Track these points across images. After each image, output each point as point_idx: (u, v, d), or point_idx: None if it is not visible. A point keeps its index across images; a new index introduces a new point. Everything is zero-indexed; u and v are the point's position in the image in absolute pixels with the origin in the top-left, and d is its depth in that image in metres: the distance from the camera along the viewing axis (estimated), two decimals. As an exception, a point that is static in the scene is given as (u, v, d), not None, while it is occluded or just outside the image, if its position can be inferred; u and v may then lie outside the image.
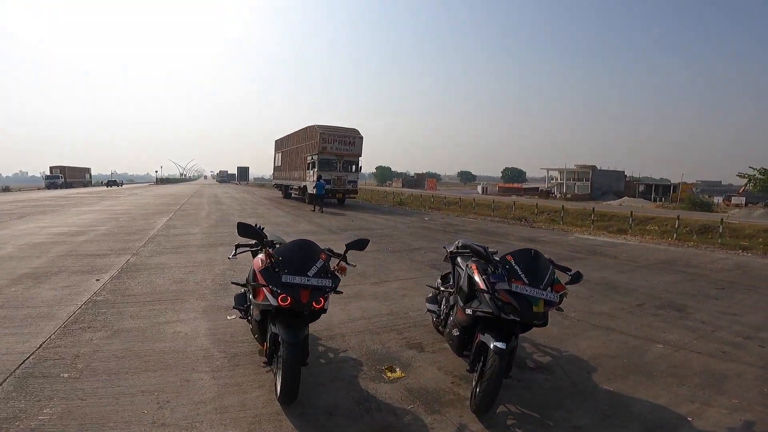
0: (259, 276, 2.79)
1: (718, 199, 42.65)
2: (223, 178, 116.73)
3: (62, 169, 62.87)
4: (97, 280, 5.70)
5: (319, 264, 2.78)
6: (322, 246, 3.01)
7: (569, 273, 2.97)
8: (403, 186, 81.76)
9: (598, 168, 59.73)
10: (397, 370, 3.32)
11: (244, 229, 2.96)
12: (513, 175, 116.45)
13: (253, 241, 3.33)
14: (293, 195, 27.27)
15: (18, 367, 3.12)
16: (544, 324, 2.77)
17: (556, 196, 54.61)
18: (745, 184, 39.80)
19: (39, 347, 3.48)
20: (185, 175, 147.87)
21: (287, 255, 2.79)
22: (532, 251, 2.89)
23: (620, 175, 60.92)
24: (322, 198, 18.35)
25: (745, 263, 8.99)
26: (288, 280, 2.66)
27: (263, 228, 3.25)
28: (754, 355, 3.92)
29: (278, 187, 32.73)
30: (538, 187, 67.04)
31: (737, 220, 19.58)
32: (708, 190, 55.99)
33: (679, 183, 50.22)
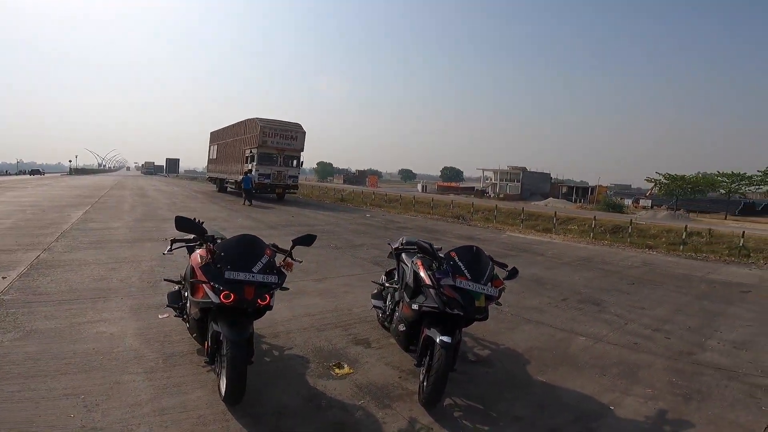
0: (198, 272, 2.63)
1: (628, 201, 47.39)
2: (149, 169, 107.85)
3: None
4: (3, 278, 4.99)
5: (264, 260, 2.67)
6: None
7: (506, 269, 3.15)
8: (344, 182, 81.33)
9: (528, 170, 63.78)
10: (345, 366, 3.31)
11: (182, 222, 2.77)
12: (451, 174, 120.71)
13: (191, 236, 3.13)
14: (229, 189, 26.00)
15: None
16: (485, 318, 2.90)
17: (490, 195, 57.43)
18: (652, 188, 44.76)
19: None
20: (105, 165, 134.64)
21: (230, 250, 2.66)
22: (474, 248, 3.02)
23: (546, 177, 65.48)
24: (250, 191, 18.43)
25: (651, 260, 10.13)
26: (231, 277, 2.54)
27: (203, 222, 3.07)
28: (661, 346, 4.35)
29: (212, 180, 31.02)
30: (474, 187, 70.03)
31: (644, 221, 21.84)
32: (620, 192, 62.00)
33: (596, 186, 55.06)
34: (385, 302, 3.89)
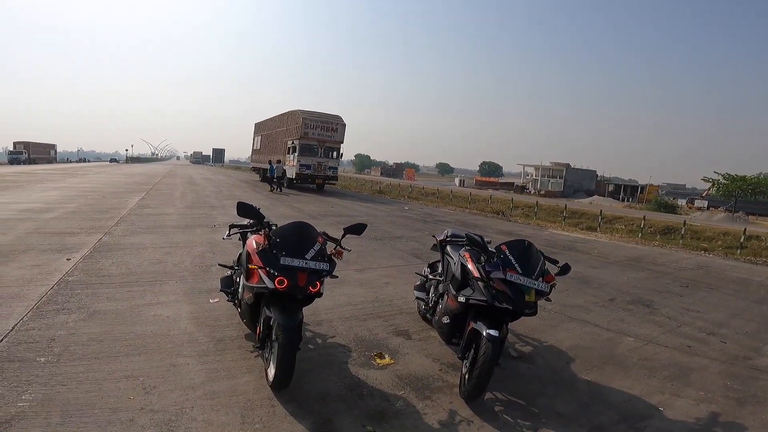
0: (255, 257, 2.72)
1: (682, 202, 44.64)
2: (197, 159, 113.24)
3: (26, 144, 59.65)
4: (68, 259, 5.43)
5: (317, 247, 2.73)
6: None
7: (558, 265, 3.06)
8: (381, 175, 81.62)
9: (572, 166, 61.34)
10: (386, 356, 3.36)
11: (243, 208, 2.88)
12: (490, 169, 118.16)
13: (246, 222, 3.25)
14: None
15: None
16: (534, 313, 2.85)
17: (530, 191, 55.79)
18: (709, 188, 41.86)
19: (11, 330, 3.28)
20: (157, 155, 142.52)
21: (285, 237, 2.73)
22: (525, 242, 2.95)
23: (592, 174, 62.77)
24: (272, 179, 19.93)
25: (707, 263, 9.51)
26: (286, 263, 2.61)
27: (260, 209, 3.18)
28: (716, 350, 4.16)
29: (256, 170, 32.14)
30: (513, 183, 68.25)
31: (699, 222, 20.56)
32: (673, 192, 58.47)
33: (647, 185, 52.17)
34: (427, 294, 3.89)
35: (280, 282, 2.57)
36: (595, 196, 49.22)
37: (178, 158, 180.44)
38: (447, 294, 3.21)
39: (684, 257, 10.17)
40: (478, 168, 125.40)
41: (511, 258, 2.79)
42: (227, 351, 3.23)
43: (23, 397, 2.43)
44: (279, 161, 21.09)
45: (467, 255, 3.04)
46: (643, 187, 51.80)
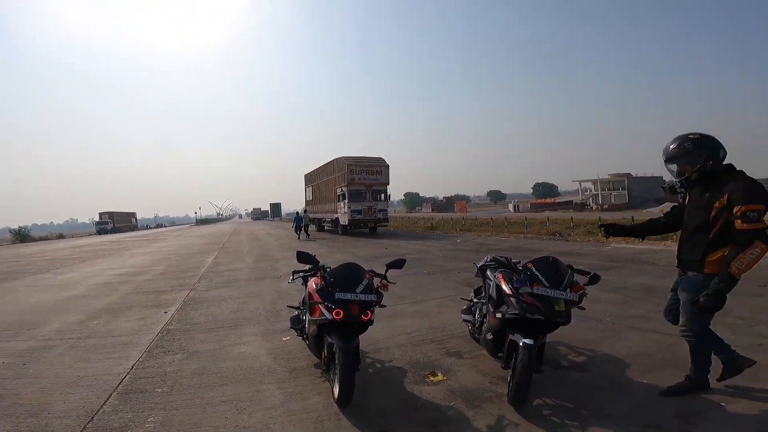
0: (315, 295, 3.25)
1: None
2: (258, 215, 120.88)
3: (110, 214, 67.39)
4: (165, 312, 6.42)
5: (365, 282, 3.23)
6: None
7: (587, 275, 3.27)
8: (432, 210, 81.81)
9: (634, 175, 57.86)
10: (439, 374, 3.65)
11: (302, 256, 3.47)
12: (544, 190, 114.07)
13: (307, 267, 3.83)
14: (326, 227, 28.01)
15: (119, 385, 3.72)
16: (567, 322, 3.05)
17: (591, 207, 53.14)
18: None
19: (131, 368, 4.10)
20: (222, 214, 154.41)
21: (338, 276, 3.27)
22: (550, 258, 3.24)
23: (659, 181, 58.64)
24: (300, 228, 22.88)
25: (794, 261, 8.67)
26: (340, 297, 3.11)
27: (316, 256, 3.75)
28: None
29: (311, 220, 33.76)
30: (572, 200, 65.41)
31: None
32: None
33: None
34: (474, 316, 4.17)
35: (337, 313, 3.05)
36: (667, 203, 45.75)
37: (240, 216, 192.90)
38: (488, 313, 3.51)
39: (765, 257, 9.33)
40: (531, 191, 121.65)
41: (537, 273, 3.07)
42: (300, 377, 3.74)
43: (149, 419, 3.06)
44: (305, 211, 24.63)
45: (500, 276, 3.35)
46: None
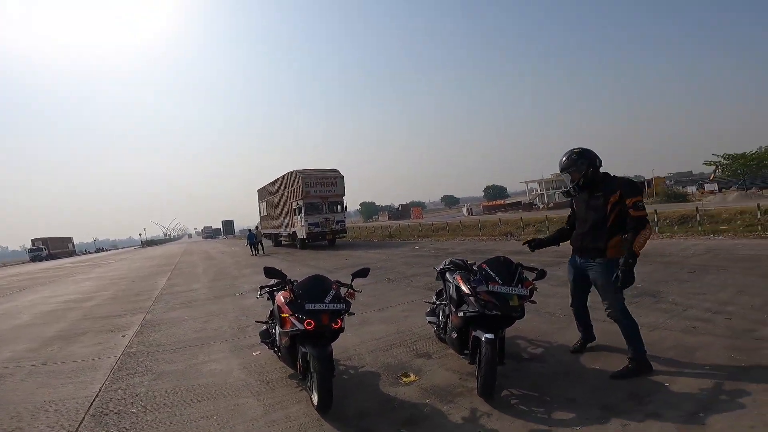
0: (285, 308, 3.33)
1: (692, 189, 43.95)
2: (209, 233, 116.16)
3: (44, 240, 62.09)
4: (123, 336, 6.17)
5: (332, 292, 3.37)
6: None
7: (535, 271, 3.59)
8: (389, 219, 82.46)
9: (574, 174, 61.34)
10: (411, 375, 3.81)
11: (269, 271, 3.55)
12: (495, 192, 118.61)
13: (273, 282, 3.88)
14: (283, 242, 27.51)
15: (90, 407, 3.63)
16: (521, 316, 3.36)
17: (539, 207, 55.84)
18: (714, 171, 41.54)
19: (99, 391, 4.00)
20: (169, 234, 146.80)
21: (306, 288, 3.38)
22: (501, 257, 3.55)
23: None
24: (254, 244, 22.66)
25: (716, 246, 9.73)
26: (310, 307, 3.21)
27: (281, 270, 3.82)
28: (721, 327, 4.34)
29: (267, 236, 32.95)
30: (520, 201, 68.53)
31: (713, 206, 20.27)
32: (681, 181, 57.61)
33: (652, 178, 51.47)
34: (438, 317, 4.40)
35: (308, 324, 3.16)
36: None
37: (189, 236, 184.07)
38: (450, 313, 3.75)
39: (693, 244, 10.40)
40: (483, 193, 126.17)
41: (492, 273, 3.37)
42: (276, 389, 3.76)
43: (129, 440, 2.98)
44: (257, 228, 26.16)
45: (459, 277, 3.60)
46: (649, 182, 51.12)
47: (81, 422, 3.33)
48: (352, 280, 3.68)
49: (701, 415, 2.74)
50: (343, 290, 3.55)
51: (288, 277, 3.60)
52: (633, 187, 3.37)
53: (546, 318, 5.18)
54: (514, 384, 3.46)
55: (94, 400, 3.79)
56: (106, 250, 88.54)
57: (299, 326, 3.18)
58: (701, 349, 3.84)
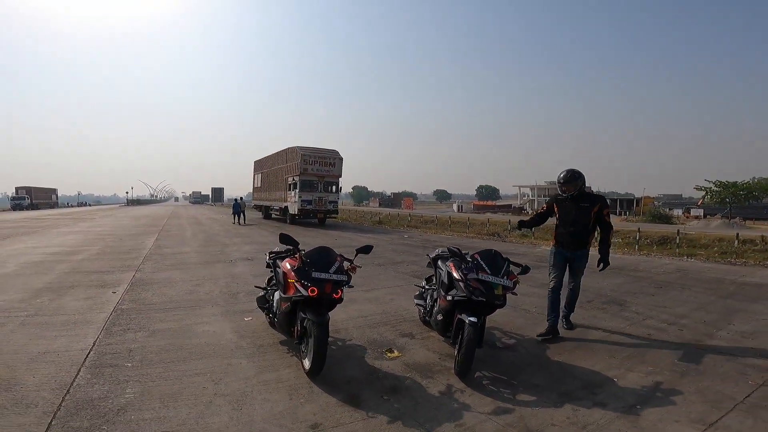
0: (291, 274, 3.57)
1: (678, 212, 45.05)
2: (197, 199, 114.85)
3: (28, 189, 60.65)
4: (114, 292, 6.28)
5: (337, 264, 3.62)
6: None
7: (520, 266, 3.97)
8: (380, 205, 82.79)
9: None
10: (395, 351, 4.15)
11: (285, 238, 3.77)
12: (487, 192, 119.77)
13: (283, 249, 4.11)
14: (273, 216, 27.64)
15: (85, 360, 3.75)
16: (503, 305, 3.72)
17: (528, 212, 56.79)
18: (703, 197, 42.56)
19: (93, 345, 4.11)
20: (156, 196, 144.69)
21: (314, 257, 3.62)
22: (492, 251, 3.91)
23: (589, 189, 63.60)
24: (237, 213, 24.13)
25: (686, 267, 10.27)
26: (316, 276, 3.46)
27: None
28: (672, 336, 4.85)
29: (258, 208, 32.98)
30: (511, 204, 69.48)
31: (695, 230, 20.94)
32: (669, 203, 59.07)
33: (642, 197, 52.67)
34: (425, 301, 4.72)
35: (312, 291, 3.41)
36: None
37: (176, 199, 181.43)
38: (439, 297, 4.06)
39: (666, 263, 10.94)
40: (475, 192, 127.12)
41: (482, 263, 3.72)
42: (268, 353, 4.04)
43: (127, 391, 3.19)
44: (241, 198, 28.30)
45: (451, 264, 3.92)
46: (638, 200, 52.36)
47: (78, 374, 3.45)
48: (355, 256, 3.93)
49: (638, 407, 3.18)
50: (347, 264, 3.79)
51: (299, 246, 3.84)
52: (606, 201, 4.85)
53: (521, 314, 5.58)
54: (487, 368, 3.81)
55: (89, 353, 3.90)
56: (90, 205, 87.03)
57: (303, 292, 3.42)
58: (651, 352, 4.34)
